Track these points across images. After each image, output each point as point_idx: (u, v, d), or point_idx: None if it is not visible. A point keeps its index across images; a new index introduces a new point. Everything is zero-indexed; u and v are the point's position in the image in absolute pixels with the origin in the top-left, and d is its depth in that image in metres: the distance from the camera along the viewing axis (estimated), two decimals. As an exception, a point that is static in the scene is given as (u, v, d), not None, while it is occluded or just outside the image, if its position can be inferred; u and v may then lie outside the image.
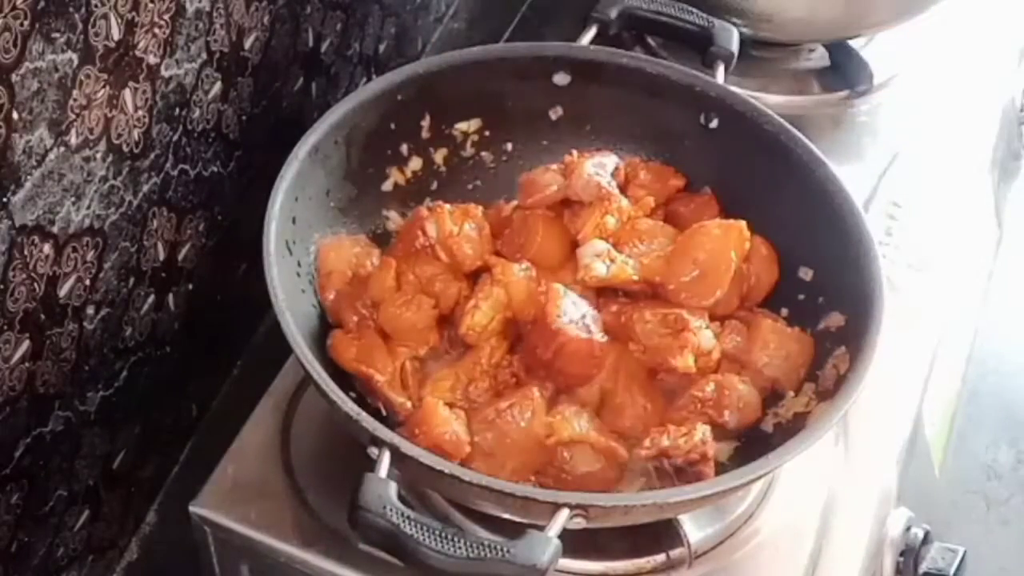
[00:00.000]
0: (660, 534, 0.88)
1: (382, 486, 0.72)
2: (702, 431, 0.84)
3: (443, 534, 0.71)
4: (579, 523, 0.75)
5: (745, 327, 0.92)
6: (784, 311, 0.94)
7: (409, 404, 0.86)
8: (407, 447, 0.76)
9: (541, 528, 0.73)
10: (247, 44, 0.95)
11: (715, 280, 0.90)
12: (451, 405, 0.85)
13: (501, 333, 0.89)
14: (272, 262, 0.84)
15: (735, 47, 1.02)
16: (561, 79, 1.01)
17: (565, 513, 0.73)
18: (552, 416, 0.85)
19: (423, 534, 0.71)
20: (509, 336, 0.89)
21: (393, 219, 1.00)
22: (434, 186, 1.01)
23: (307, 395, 0.95)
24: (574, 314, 0.87)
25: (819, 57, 1.27)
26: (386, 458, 0.75)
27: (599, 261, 0.91)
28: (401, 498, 0.72)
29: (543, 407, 0.85)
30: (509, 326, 0.89)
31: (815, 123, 1.21)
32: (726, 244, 0.91)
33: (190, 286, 0.98)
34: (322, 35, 1.07)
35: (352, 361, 0.87)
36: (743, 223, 0.92)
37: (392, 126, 0.98)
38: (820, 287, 0.93)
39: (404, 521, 0.71)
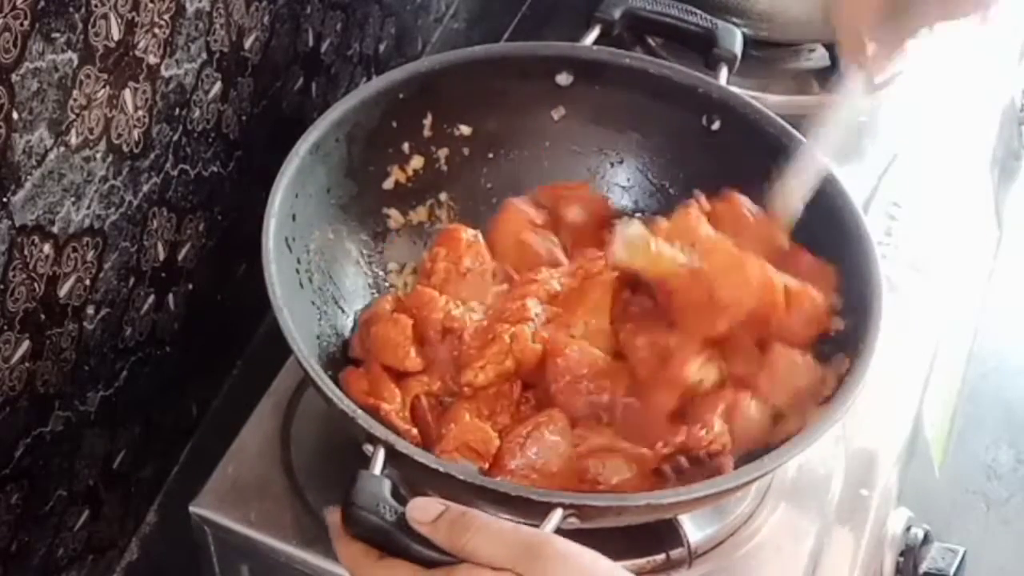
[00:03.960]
0: (660, 534, 0.88)
1: (376, 483, 0.72)
2: (720, 424, 0.83)
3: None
4: (573, 523, 0.75)
5: (760, 353, 0.88)
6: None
7: (415, 431, 0.86)
8: (402, 445, 0.76)
9: (536, 527, 0.73)
10: (247, 44, 0.95)
11: (719, 319, 0.87)
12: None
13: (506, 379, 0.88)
14: (271, 259, 0.84)
15: (738, 49, 1.02)
16: (564, 79, 1.01)
17: (559, 513, 0.73)
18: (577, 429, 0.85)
19: (416, 532, 0.71)
20: (514, 380, 0.89)
21: (394, 217, 1.00)
22: (436, 185, 1.01)
23: (307, 395, 0.95)
24: None
25: (819, 57, 1.27)
26: (380, 456, 0.75)
27: (627, 246, 0.89)
28: (399, 496, 0.72)
29: (567, 422, 0.85)
30: (512, 378, 0.89)
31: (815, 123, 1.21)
32: (749, 295, 0.87)
33: (190, 286, 0.98)
34: (322, 35, 1.06)
35: (363, 394, 0.87)
36: (780, 288, 0.87)
37: (394, 124, 0.98)
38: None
39: (397, 518, 0.71)
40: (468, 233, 0.96)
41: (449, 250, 0.95)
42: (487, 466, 0.84)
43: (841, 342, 0.88)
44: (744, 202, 0.92)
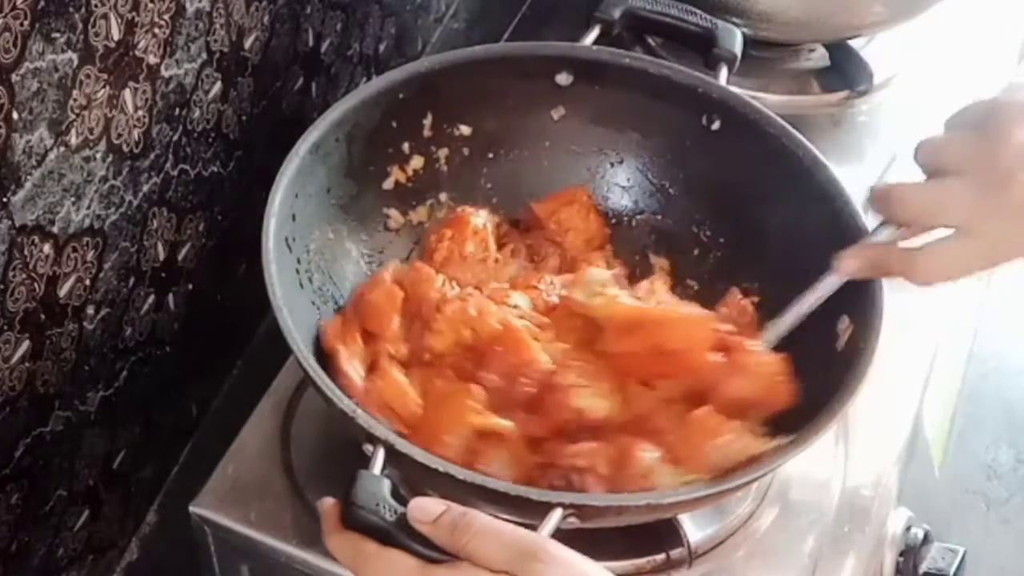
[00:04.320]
0: (660, 534, 0.88)
1: (375, 483, 0.72)
2: (589, 447, 0.82)
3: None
4: (573, 523, 0.75)
5: (684, 416, 0.83)
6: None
7: (359, 384, 0.85)
8: (401, 444, 0.76)
9: (535, 527, 0.73)
10: (247, 44, 0.95)
11: (634, 335, 0.85)
12: None
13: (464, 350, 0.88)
14: (271, 259, 0.84)
15: (738, 49, 1.02)
16: (564, 79, 1.01)
17: (558, 513, 0.73)
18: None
19: (416, 531, 0.71)
20: (472, 357, 0.88)
21: (394, 217, 1.00)
22: (435, 185, 1.01)
23: (307, 395, 0.96)
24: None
25: (819, 57, 1.27)
26: (380, 455, 0.75)
27: (584, 286, 0.89)
28: (399, 496, 0.72)
29: (485, 402, 0.84)
30: (470, 352, 0.88)
31: (815, 123, 1.21)
32: (677, 320, 0.85)
33: (190, 286, 0.98)
34: (322, 35, 1.07)
35: (332, 338, 0.87)
36: (712, 329, 0.85)
37: (394, 124, 0.98)
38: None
39: (398, 518, 0.71)
40: (477, 220, 0.97)
41: (455, 232, 0.96)
42: (406, 430, 0.83)
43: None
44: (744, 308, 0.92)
